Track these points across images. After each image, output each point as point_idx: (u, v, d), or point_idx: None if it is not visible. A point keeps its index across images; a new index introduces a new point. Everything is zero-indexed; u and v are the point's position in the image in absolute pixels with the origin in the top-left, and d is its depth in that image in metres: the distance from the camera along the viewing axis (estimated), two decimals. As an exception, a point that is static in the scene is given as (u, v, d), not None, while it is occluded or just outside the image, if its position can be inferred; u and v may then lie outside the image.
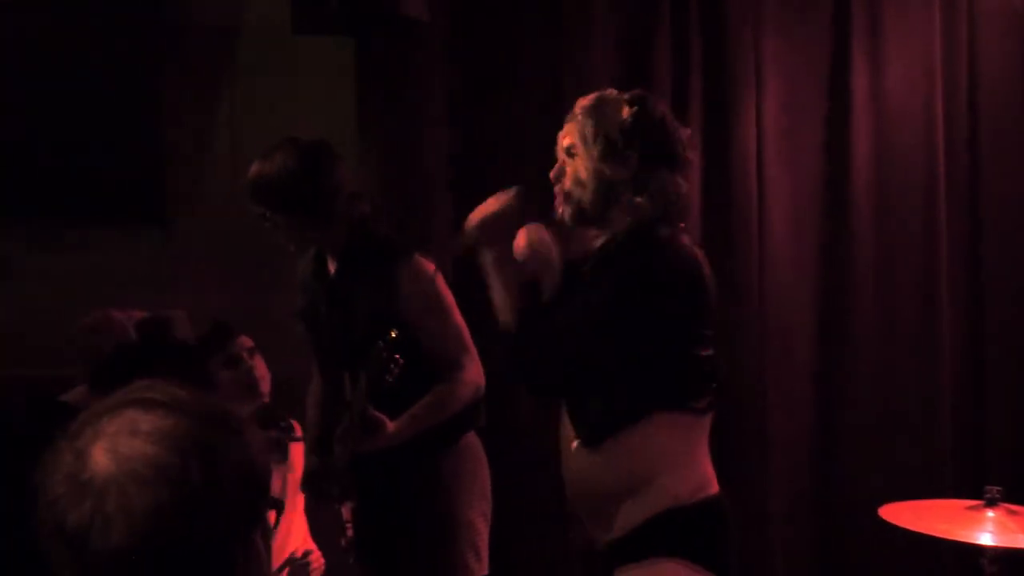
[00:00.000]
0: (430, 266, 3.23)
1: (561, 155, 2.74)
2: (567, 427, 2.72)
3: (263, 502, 1.45)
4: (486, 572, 3.29)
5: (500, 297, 2.69)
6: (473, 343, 3.28)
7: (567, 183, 2.71)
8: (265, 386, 3.65)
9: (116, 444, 1.31)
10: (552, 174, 2.75)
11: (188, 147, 4.68)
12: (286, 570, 3.71)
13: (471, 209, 2.77)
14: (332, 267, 3.34)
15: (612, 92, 2.77)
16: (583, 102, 2.73)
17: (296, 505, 3.73)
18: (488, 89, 4.59)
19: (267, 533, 1.90)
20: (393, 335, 2.94)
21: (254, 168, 3.21)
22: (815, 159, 4.60)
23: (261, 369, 3.67)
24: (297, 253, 3.44)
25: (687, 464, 2.63)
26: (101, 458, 1.30)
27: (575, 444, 2.66)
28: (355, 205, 3.30)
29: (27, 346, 4.61)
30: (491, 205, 2.74)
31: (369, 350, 2.96)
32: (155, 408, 1.35)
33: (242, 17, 4.74)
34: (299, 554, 3.75)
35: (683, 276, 2.62)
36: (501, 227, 2.72)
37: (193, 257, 4.38)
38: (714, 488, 2.67)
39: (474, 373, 3.23)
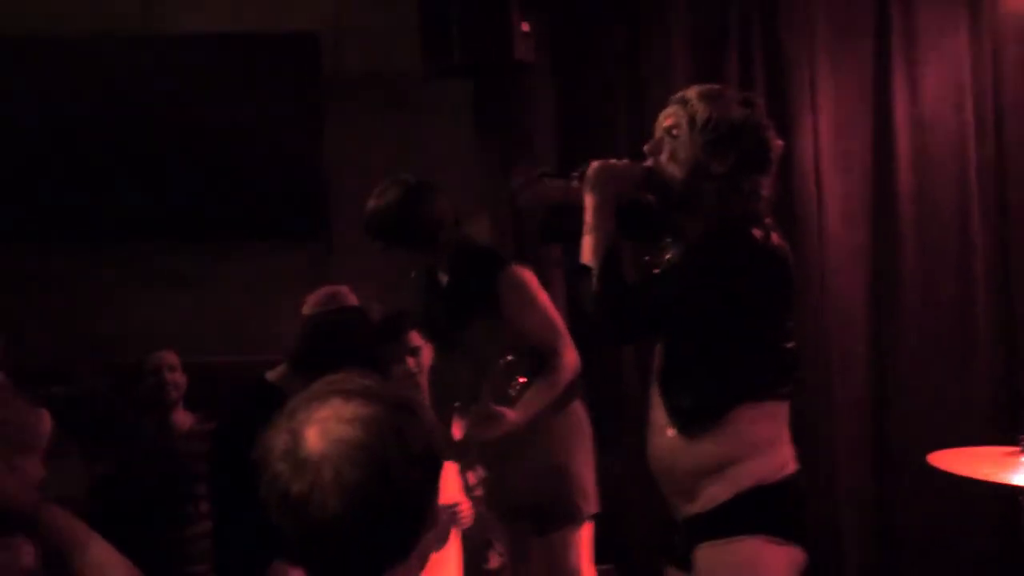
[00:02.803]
0: (525, 271, 3.27)
1: (659, 133, 2.45)
2: (657, 413, 2.51)
3: (440, 470, 1.48)
4: (595, 510, 3.32)
5: (591, 241, 2.40)
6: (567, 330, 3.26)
7: (662, 159, 2.43)
8: (423, 379, 3.67)
9: (327, 428, 1.37)
10: (647, 147, 2.46)
11: (345, 171, 4.73)
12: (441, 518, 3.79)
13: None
14: (443, 279, 3.37)
15: (728, 89, 2.49)
16: (699, 88, 2.43)
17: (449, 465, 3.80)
18: (586, 114, 4.67)
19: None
20: (510, 358, 3.01)
21: (367, 206, 3.23)
22: (864, 166, 4.60)
23: (423, 363, 3.69)
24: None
25: (771, 447, 2.41)
26: (315, 440, 1.37)
27: (670, 432, 2.45)
28: (457, 230, 3.30)
29: (207, 341, 4.77)
30: (621, 162, 2.46)
31: (482, 366, 3.05)
32: (355, 397, 1.41)
33: (385, 64, 4.82)
34: (450, 503, 3.76)
35: (775, 274, 2.37)
36: (616, 180, 2.43)
37: (351, 266, 4.41)
38: (793, 466, 2.45)
39: (571, 357, 3.22)
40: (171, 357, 4.31)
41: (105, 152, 4.78)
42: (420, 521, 1.42)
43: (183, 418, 4.31)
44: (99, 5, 4.81)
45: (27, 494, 1.84)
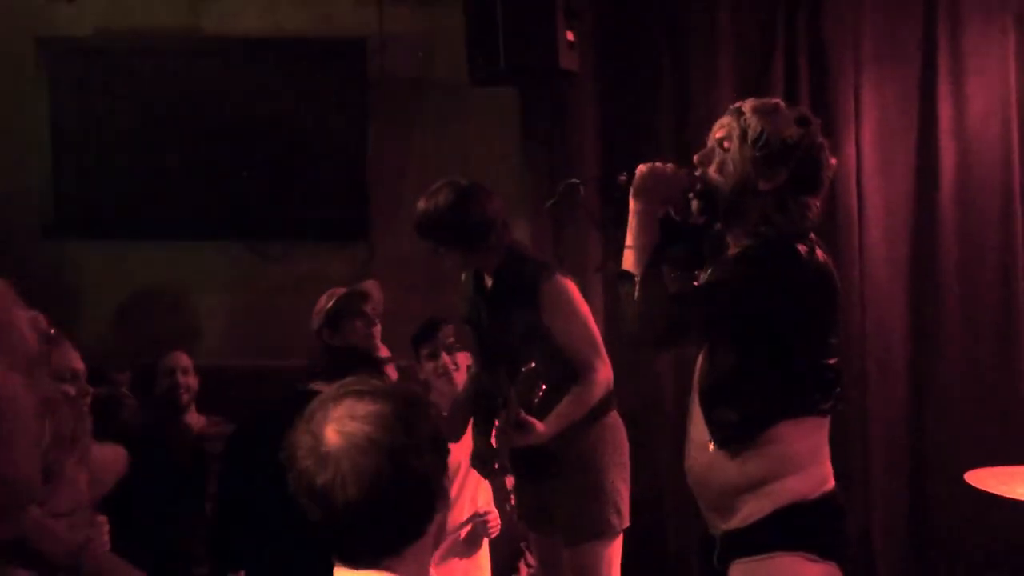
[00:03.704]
0: (568, 282, 3.22)
1: (711, 143, 2.39)
2: (698, 428, 2.45)
3: (447, 456, 1.62)
4: (627, 525, 3.28)
5: (634, 247, 2.36)
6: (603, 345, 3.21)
7: (711, 169, 2.36)
8: (460, 376, 3.68)
9: (342, 426, 1.51)
10: (697, 156, 2.39)
11: (387, 178, 4.74)
12: (470, 524, 3.76)
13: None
14: (489, 282, 3.33)
15: (784, 105, 2.39)
16: (755, 102, 2.36)
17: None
18: (630, 123, 4.61)
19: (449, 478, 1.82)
20: (532, 365, 2.97)
21: (419, 206, 3.19)
22: (907, 178, 4.53)
23: (459, 361, 3.71)
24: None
25: (811, 463, 2.35)
26: (333, 436, 1.51)
27: (710, 447, 2.39)
28: (506, 233, 3.27)
29: (257, 342, 4.79)
30: (667, 167, 2.39)
31: (519, 370, 3.00)
32: (365, 396, 1.55)
33: (430, 72, 4.80)
34: (481, 511, 3.79)
35: (820, 290, 2.32)
36: (662, 187, 2.37)
37: (391, 268, 4.43)
38: (831, 483, 2.39)
39: (605, 373, 3.17)
40: (184, 359, 4.27)
41: (150, 153, 4.76)
42: (431, 502, 1.56)
43: (194, 420, 4.28)
44: (150, 7, 4.81)
45: (68, 541, 1.92)
